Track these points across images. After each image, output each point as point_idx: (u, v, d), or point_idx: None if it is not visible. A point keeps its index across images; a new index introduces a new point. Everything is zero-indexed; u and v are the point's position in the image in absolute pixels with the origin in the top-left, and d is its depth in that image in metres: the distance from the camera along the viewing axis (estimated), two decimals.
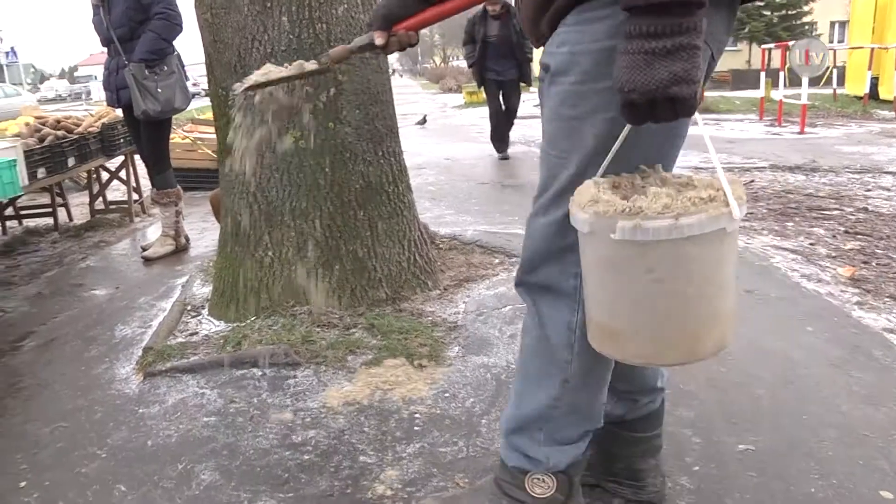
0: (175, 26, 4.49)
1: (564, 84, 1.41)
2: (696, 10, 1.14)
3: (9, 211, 6.03)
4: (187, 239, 5.03)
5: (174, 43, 4.61)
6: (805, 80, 10.32)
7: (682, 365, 1.55)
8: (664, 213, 1.20)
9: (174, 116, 4.88)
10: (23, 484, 2.17)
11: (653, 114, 1.19)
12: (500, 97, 8.56)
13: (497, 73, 8.33)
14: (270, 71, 1.85)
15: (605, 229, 1.24)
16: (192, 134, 7.99)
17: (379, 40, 1.62)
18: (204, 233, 5.47)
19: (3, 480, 2.20)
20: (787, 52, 10.81)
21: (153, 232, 5.62)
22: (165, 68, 4.52)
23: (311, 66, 1.80)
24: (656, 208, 1.21)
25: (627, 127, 1.32)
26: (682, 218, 1.19)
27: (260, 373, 2.71)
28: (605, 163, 1.39)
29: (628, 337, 1.32)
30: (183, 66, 4.71)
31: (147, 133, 4.66)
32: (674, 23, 1.13)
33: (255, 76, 1.84)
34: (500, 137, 8.68)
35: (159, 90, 4.44)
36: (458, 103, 21.80)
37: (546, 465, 1.65)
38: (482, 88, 8.74)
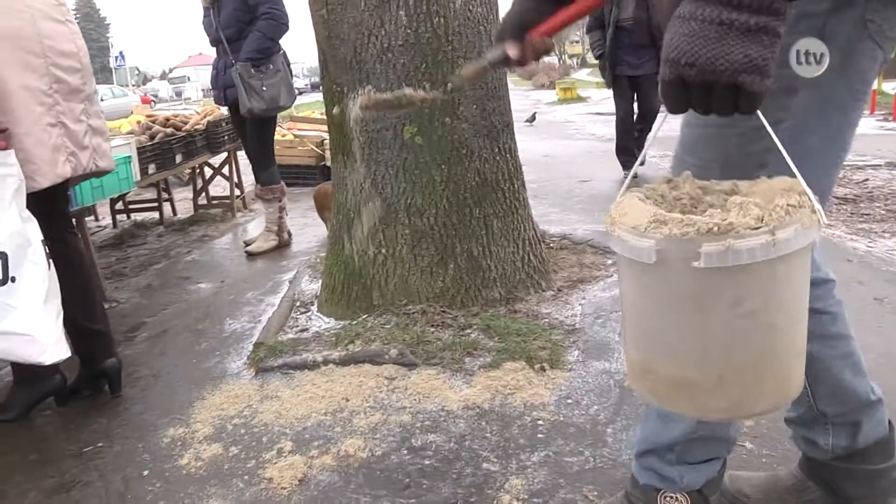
0: (281, 25, 4.54)
1: None
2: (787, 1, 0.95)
3: (118, 205, 6.21)
4: (290, 234, 5.08)
5: (280, 42, 4.66)
6: None
7: (765, 414, 1.27)
8: (759, 228, 0.95)
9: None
10: (146, 472, 2.19)
11: (705, 101, 0.99)
12: (634, 97, 6.68)
13: (632, 67, 6.38)
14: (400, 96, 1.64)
15: (682, 257, 0.97)
16: (291, 131, 8.10)
17: (513, 52, 1.40)
18: (305, 228, 5.52)
19: (130, 468, 2.23)
20: None
21: (254, 227, 5.71)
22: (271, 67, 4.57)
23: (437, 93, 1.68)
24: (749, 222, 0.96)
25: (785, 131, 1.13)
26: (779, 232, 0.96)
27: (375, 372, 2.66)
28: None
29: (709, 388, 1.06)
30: (289, 65, 4.76)
31: (252, 130, 4.72)
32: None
33: (366, 101, 1.64)
34: (628, 149, 6.68)
35: (264, 88, 4.49)
36: (551, 100, 21.64)
37: (680, 484, 1.57)
38: (612, 86, 6.68)
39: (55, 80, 2.49)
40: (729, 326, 1.01)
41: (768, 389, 1.07)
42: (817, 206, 1.01)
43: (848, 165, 6.82)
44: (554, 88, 24.11)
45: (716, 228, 0.95)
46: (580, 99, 20.95)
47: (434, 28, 2.99)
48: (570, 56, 61.76)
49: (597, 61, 6.86)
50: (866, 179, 6.15)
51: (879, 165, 6.87)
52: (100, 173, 2.77)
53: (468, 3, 3.05)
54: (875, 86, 12.42)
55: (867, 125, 10.49)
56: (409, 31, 2.98)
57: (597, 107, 17.42)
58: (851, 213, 4.95)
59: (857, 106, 1.30)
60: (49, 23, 2.49)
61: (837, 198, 5.25)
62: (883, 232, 4.43)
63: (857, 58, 1.23)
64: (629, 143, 6.67)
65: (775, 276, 0.99)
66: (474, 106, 3.08)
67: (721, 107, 0.98)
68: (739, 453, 2.09)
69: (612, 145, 7.05)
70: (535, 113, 14.33)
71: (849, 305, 1.54)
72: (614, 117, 6.86)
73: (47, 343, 2.23)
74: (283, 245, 4.94)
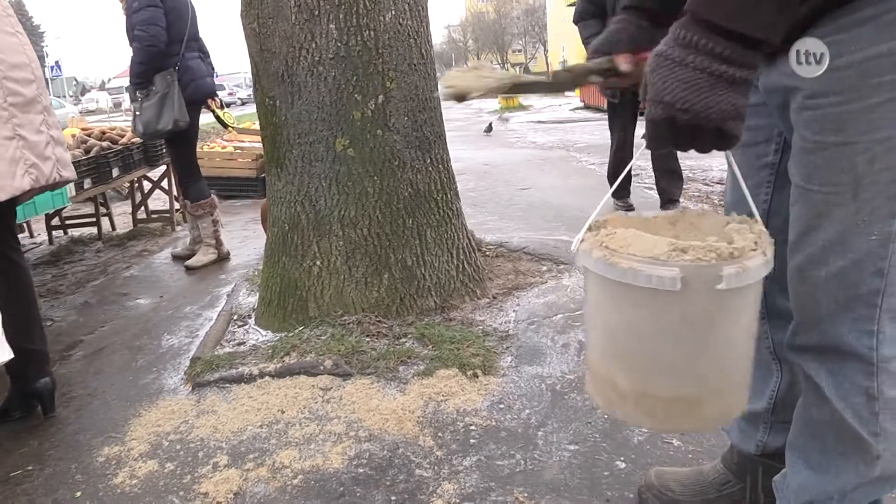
0: (147, 48, 4.30)
1: (824, 107, 1.20)
2: (763, 50, 1.04)
3: (55, 221, 6.11)
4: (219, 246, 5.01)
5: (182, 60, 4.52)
6: None
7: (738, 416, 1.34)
8: (756, 250, 1.08)
9: (209, 126, 4.94)
10: (78, 494, 2.18)
11: (689, 140, 1.06)
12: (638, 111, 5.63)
13: None
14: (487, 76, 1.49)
15: (704, 281, 1.04)
16: (231, 143, 8.05)
17: (625, 66, 1.38)
18: (245, 241, 5.50)
19: (62, 490, 2.21)
20: None
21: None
22: (153, 89, 4.41)
23: (542, 77, 1.58)
24: (750, 245, 1.08)
25: None
26: (768, 252, 1.08)
27: (310, 383, 2.68)
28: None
29: (708, 402, 1.14)
30: (186, 81, 4.52)
31: (168, 149, 4.78)
32: (746, 55, 1.02)
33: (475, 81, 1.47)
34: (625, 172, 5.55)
35: (138, 113, 4.42)
36: (493, 108, 21.80)
37: None
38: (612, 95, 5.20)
39: (9, 92, 2.47)
40: (731, 340, 1.11)
41: (745, 391, 1.18)
42: (761, 225, 1.15)
43: None
44: (496, 97, 24.30)
45: (736, 253, 1.05)
46: (522, 107, 21.19)
47: (364, 41, 3.02)
48: (513, 64, 62.30)
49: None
50: None
51: None
52: (62, 183, 2.74)
53: (398, 17, 3.09)
54: None
55: None
56: (339, 44, 3.01)
57: (538, 115, 17.66)
58: None
59: None
60: None
61: None
62: None
63: None
64: (623, 166, 5.58)
65: (759, 291, 1.12)
66: (406, 117, 3.12)
67: (703, 147, 1.07)
68: (667, 450, 2.18)
69: (553, 153, 7.02)
70: (491, 123, 14.35)
71: None
72: (607, 133, 5.91)
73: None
74: (222, 258, 4.91)
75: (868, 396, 1.29)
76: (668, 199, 5.36)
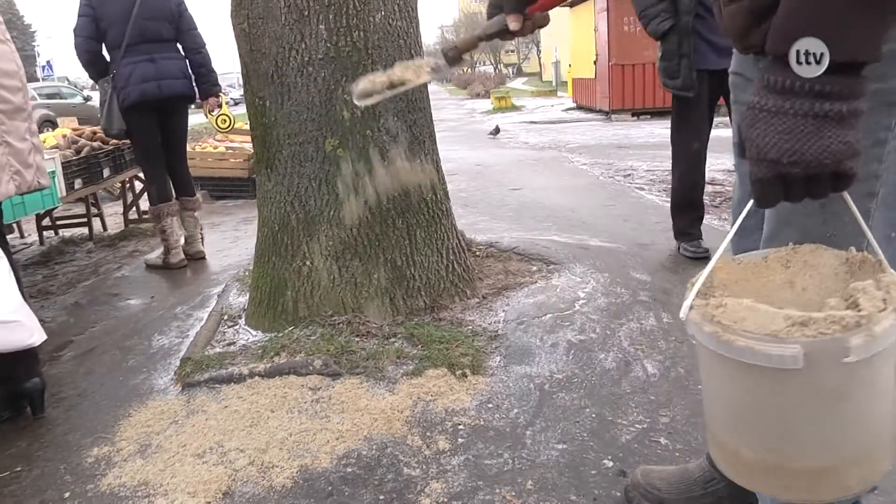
0: (78, 56, 4.53)
1: None
2: (867, 80, 0.94)
3: (45, 221, 6.10)
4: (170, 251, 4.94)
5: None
6: None
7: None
8: (886, 310, 0.95)
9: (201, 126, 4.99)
10: (66, 495, 2.18)
11: (804, 192, 0.96)
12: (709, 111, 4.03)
13: (718, 54, 3.78)
14: (378, 80, 1.59)
15: (830, 355, 0.93)
16: (223, 143, 8.04)
17: (514, 24, 1.41)
18: (237, 241, 5.50)
19: (50, 492, 2.21)
20: None
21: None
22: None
23: (431, 63, 1.60)
24: (878, 305, 0.95)
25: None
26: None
27: (300, 383, 2.68)
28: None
29: (846, 469, 1.03)
30: (118, 88, 4.54)
31: None
32: (851, 84, 0.91)
33: (365, 86, 1.58)
34: (695, 203, 4.18)
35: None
36: (485, 109, 21.83)
37: None
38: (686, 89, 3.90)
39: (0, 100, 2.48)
40: (866, 407, 1.00)
41: (890, 448, 1.06)
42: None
43: None
44: (489, 97, 24.33)
45: (863, 321, 0.93)
46: (514, 108, 21.22)
47: (354, 42, 3.03)
48: (506, 65, 62.35)
49: (657, 47, 4.03)
50: None
51: None
52: (38, 189, 2.76)
53: (388, 17, 3.10)
54: None
55: None
56: (329, 44, 3.02)
57: (531, 115, 17.68)
58: None
59: None
60: None
61: None
62: None
63: None
64: (697, 195, 4.19)
65: (894, 351, 0.99)
66: (395, 118, 3.13)
67: (820, 193, 0.97)
68: (654, 449, 2.19)
69: (545, 153, 6.96)
70: (497, 125, 14.17)
71: None
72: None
73: (34, 326, 2.36)
74: (168, 266, 4.84)
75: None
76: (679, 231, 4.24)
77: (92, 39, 4.47)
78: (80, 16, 4.44)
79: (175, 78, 4.64)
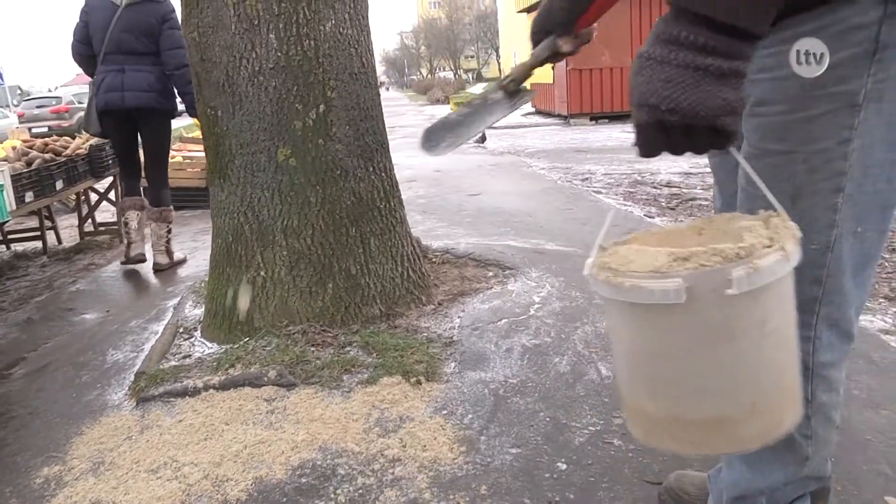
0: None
1: (768, 115, 1.22)
2: (756, 42, 0.99)
3: None
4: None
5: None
6: None
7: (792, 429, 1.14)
8: (772, 246, 0.98)
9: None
10: None
11: (684, 143, 1.00)
12: None
13: None
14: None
15: (713, 288, 0.95)
16: (180, 153, 7.96)
17: (568, 46, 1.44)
18: (194, 252, 5.45)
19: None
20: None
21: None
22: None
23: (498, 94, 1.61)
24: (764, 241, 0.98)
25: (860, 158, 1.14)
26: (788, 247, 0.98)
27: (254, 395, 2.67)
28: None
29: (743, 419, 1.02)
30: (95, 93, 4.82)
31: None
32: (734, 45, 0.96)
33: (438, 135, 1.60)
34: None
35: None
36: (445, 114, 21.83)
37: None
38: None
39: None
40: (757, 350, 1.00)
41: (792, 402, 1.07)
42: (783, 212, 1.06)
43: None
44: (448, 103, 24.38)
45: (742, 252, 0.95)
46: None
47: (304, 51, 3.03)
48: (466, 70, 62.58)
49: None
50: None
51: None
52: None
53: (338, 26, 3.10)
54: None
55: None
56: (279, 54, 3.01)
57: None
58: None
59: None
60: None
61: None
62: None
63: None
64: None
65: (785, 291, 1.02)
66: (347, 126, 3.13)
67: (700, 147, 1.00)
68: (608, 450, 2.22)
69: (504, 158, 7.11)
70: (483, 133, 13.93)
71: None
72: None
73: None
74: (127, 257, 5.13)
75: (803, 400, 1.32)
76: None
77: (82, 43, 4.79)
78: (78, 20, 4.78)
79: (141, 91, 4.71)
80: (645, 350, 1.06)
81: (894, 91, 1.14)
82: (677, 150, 1.01)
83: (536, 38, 1.52)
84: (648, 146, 1.02)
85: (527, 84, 1.62)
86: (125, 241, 5.11)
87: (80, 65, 4.90)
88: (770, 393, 1.03)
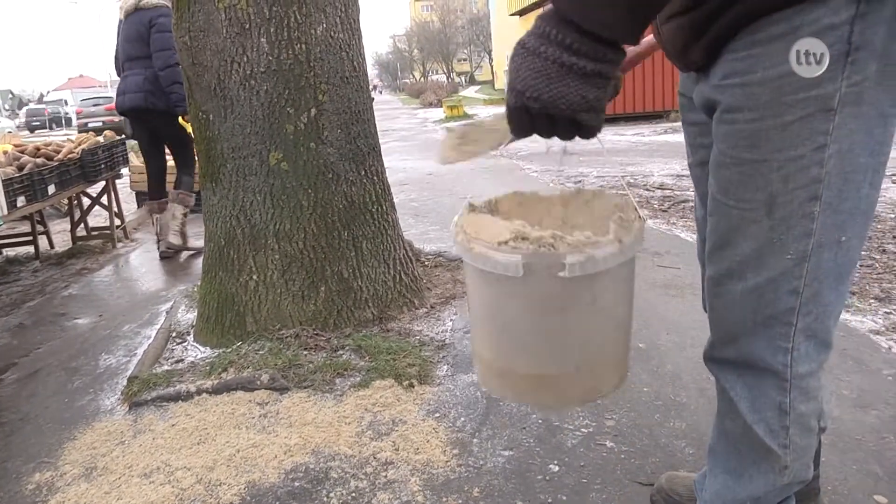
0: None
1: (739, 122, 1.20)
2: (621, 52, 1.03)
3: None
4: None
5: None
6: None
7: (610, 394, 1.36)
8: (612, 240, 1.08)
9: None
10: None
11: (548, 129, 1.05)
12: None
13: None
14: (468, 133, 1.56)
15: (546, 268, 1.07)
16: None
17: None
18: (188, 256, 5.43)
19: None
20: None
21: (136, 257, 5.60)
22: None
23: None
24: (601, 233, 1.09)
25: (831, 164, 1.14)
26: (625, 238, 1.09)
27: (247, 399, 2.67)
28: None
29: (567, 380, 1.17)
30: None
31: None
32: (598, 49, 1.00)
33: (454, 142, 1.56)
34: None
35: None
36: (438, 118, 21.86)
37: None
38: None
39: None
40: (585, 322, 1.13)
41: (613, 371, 1.21)
42: (644, 215, 1.12)
43: None
44: (441, 106, 24.41)
45: (580, 241, 1.06)
46: (466, 116, 21.27)
47: (296, 54, 3.03)
48: (459, 74, 62.60)
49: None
50: None
51: None
52: None
53: (329, 30, 3.11)
54: None
55: None
56: (270, 57, 3.01)
57: None
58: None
59: None
60: None
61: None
62: None
63: None
64: None
65: (621, 276, 1.13)
66: (339, 130, 3.14)
67: (563, 136, 1.05)
68: (600, 452, 2.21)
69: (497, 162, 7.20)
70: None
71: None
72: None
73: None
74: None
75: (780, 411, 1.33)
76: None
77: (115, 58, 5.46)
78: None
79: (133, 92, 5.21)
80: (486, 307, 1.19)
81: (874, 93, 1.12)
82: (543, 134, 1.07)
83: None
84: (516, 127, 1.08)
85: None
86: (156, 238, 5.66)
87: (118, 72, 5.48)
88: (594, 360, 1.17)
